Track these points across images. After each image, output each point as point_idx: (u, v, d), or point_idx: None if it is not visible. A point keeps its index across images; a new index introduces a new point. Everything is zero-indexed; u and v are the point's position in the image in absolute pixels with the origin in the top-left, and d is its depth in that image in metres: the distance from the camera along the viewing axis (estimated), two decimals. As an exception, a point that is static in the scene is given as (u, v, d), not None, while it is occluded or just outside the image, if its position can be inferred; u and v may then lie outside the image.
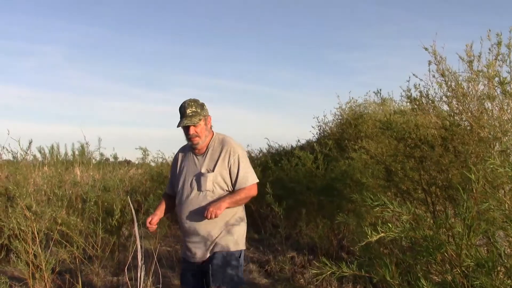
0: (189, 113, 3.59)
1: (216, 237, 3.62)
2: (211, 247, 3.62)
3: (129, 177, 10.11)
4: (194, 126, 3.60)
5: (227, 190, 3.66)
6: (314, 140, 10.38)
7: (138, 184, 9.86)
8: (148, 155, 10.33)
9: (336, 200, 6.73)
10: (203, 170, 3.66)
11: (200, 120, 3.62)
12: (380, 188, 5.34)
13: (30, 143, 6.34)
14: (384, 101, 9.02)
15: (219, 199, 3.58)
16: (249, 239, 8.20)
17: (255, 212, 8.66)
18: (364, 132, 7.52)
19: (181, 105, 3.63)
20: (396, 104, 8.76)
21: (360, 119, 8.74)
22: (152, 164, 11.09)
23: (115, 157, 10.89)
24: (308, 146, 9.94)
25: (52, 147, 11.14)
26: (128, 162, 13.09)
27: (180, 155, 3.92)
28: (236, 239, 3.67)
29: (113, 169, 10.60)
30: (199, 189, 3.63)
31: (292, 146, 10.96)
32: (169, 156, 10.81)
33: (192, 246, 3.70)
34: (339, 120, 10.18)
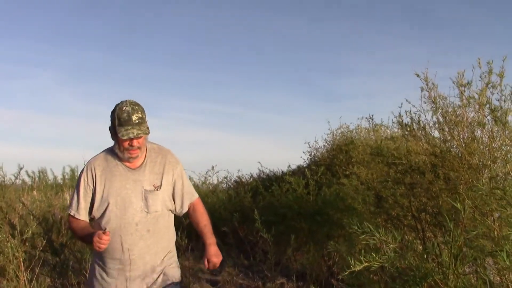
0: (136, 120, 2.91)
1: (163, 268, 3.11)
2: (156, 279, 3.06)
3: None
4: (140, 137, 2.96)
5: (170, 210, 3.17)
6: (305, 165, 10.37)
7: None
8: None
9: (326, 226, 6.69)
10: (147, 187, 3.05)
11: (148, 129, 2.98)
12: (370, 214, 5.33)
13: (20, 168, 6.25)
14: (376, 127, 9.04)
15: (208, 241, 3.13)
16: (238, 265, 8.13)
17: (245, 238, 8.60)
18: (355, 158, 7.52)
19: (122, 108, 2.90)
20: (388, 130, 8.79)
21: (351, 145, 8.75)
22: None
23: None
24: (299, 172, 9.92)
25: (41, 171, 11.10)
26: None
27: (99, 168, 3.07)
28: (179, 270, 3.27)
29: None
30: (147, 210, 3.02)
31: (283, 171, 10.94)
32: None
33: (124, 279, 3.02)
34: (330, 146, 10.18)
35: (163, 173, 3.13)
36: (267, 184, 9.24)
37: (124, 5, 25.30)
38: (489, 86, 4.03)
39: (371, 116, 8.32)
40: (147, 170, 3.10)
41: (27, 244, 5.43)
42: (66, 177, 11.22)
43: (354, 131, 9.82)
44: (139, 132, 2.92)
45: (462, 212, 2.46)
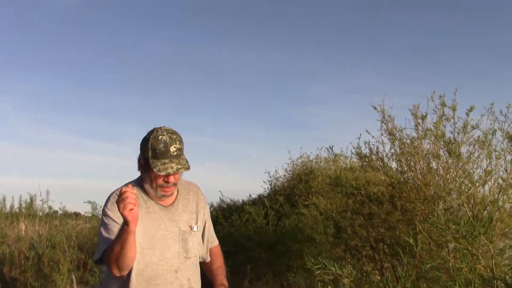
0: (174, 152, 2.43)
1: None
2: None
3: (76, 231, 9.79)
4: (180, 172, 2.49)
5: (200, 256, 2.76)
6: (265, 194, 10.37)
7: (86, 239, 9.55)
8: (96, 208, 10.08)
9: (286, 257, 6.67)
10: (184, 228, 2.60)
11: (187, 162, 2.48)
12: (329, 245, 5.34)
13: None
14: (335, 157, 9.13)
15: (220, 282, 2.77)
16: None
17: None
18: (315, 188, 7.56)
19: (158, 138, 2.43)
20: (348, 160, 8.89)
21: (311, 175, 8.81)
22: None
23: (64, 210, 10.56)
24: (259, 201, 9.90)
25: (-5, 198, 10.78)
26: (77, 215, 12.73)
27: None
28: None
29: (61, 223, 10.26)
30: (186, 254, 2.59)
31: (243, 200, 10.90)
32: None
33: None
34: (290, 175, 10.22)
35: (197, 212, 2.71)
36: (227, 214, 9.18)
37: (88, 34, 25.15)
38: (442, 118, 4.13)
39: (330, 147, 8.41)
40: (180, 209, 2.64)
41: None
42: (24, 205, 10.89)
43: (314, 161, 9.90)
44: (179, 166, 2.42)
45: (415, 247, 2.49)
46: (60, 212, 10.56)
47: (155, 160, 2.39)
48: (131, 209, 2.18)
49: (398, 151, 4.52)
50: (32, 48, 25.18)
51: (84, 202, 9.63)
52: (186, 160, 2.46)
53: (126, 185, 2.40)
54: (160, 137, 2.41)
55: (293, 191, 9.10)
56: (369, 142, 4.86)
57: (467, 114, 3.99)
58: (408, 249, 3.39)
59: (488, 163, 3.85)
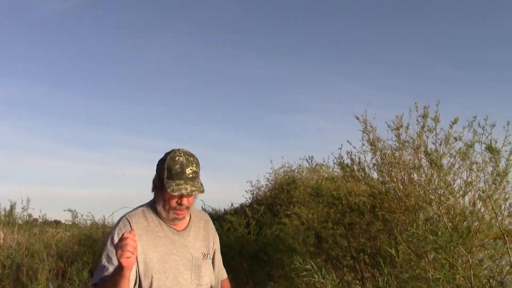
0: (190, 174, 2.40)
1: None
2: None
3: (56, 240, 9.67)
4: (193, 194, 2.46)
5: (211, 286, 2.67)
6: (247, 204, 10.34)
7: (65, 248, 9.43)
8: (77, 216, 9.98)
9: (267, 266, 6.65)
10: (197, 254, 2.55)
11: (202, 185, 2.45)
12: (310, 255, 5.33)
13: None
14: (317, 167, 9.14)
15: None
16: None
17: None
18: (296, 197, 7.57)
19: (175, 159, 2.41)
20: (329, 170, 8.91)
21: (293, 185, 8.81)
22: (82, 226, 10.67)
23: (44, 218, 10.42)
24: (241, 210, 9.87)
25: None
26: (57, 223, 12.58)
27: (139, 226, 2.46)
28: None
29: (40, 231, 10.12)
30: (198, 281, 2.51)
31: (225, 209, 10.86)
32: (99, 218, 10.41)
33: None
34: (272, 185, 10.22)
35: (208, 241, 2.66)
36: (208, 223, 9.11)
37: (69, 40, 25.01)
38: (425, 129, 4.16)
39: (310, 157, 8.43)
40: (192, 235, 2.58)
41: None
42: (3, 213, 10.70)
43: (296, 170, 9.90)
44: (193, 188, 2.37)
45: (397, 257, 2.50)
46: (40, 220, 10.42)
47: (170, 180, 2.37)
48: (128, 257, 2.09)
49: (380, 162, 4.54)
50: (13, 53, 24.97)
51: (64, 210, 9.53)
52: (201, 184, 2.43)
53: (139, 207, 2.53)
54: (177, 158, 2.40)
55: (275, 201, 9.09)
56: (351, 152, 4.88)
57: (451, 126, 4.03)
58: (389, 259, 3.41)
59: (468, 175, 3.88)
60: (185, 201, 2.40)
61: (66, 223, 11.32)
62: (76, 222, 10.45)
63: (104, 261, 2.36)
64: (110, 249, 2.37)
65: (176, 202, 2.40)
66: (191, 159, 2.43)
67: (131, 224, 2.41)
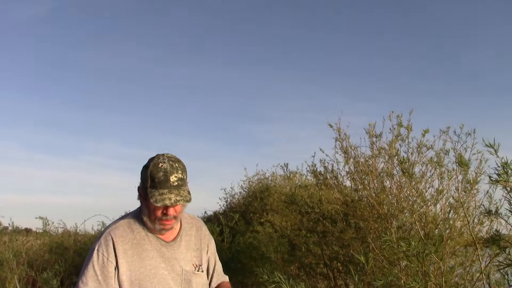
0: (175, 182, 2.20)
1: None
2: None
3: (26, 248, 9.51)
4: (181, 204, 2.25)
5: None
6: (221, 211, 10.32)
7: (36, 256, 9.28)
8: (48, 224, 9.85)
9: (240, 274, 6.63)
10: (187, 267, 2.36)
11: (189, 194, 2.25)
12: (283, 263, 5.33)
13: None
14: (290, 174, 9.17)
15: None
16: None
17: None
18: (270, 205, 7.57)
19: (158, 165, 2.20)
20: (303, 178, 8.93)
21: (266, 192, 8.81)
22: (53, 234, 10.53)
23: (14, 226, 10.27)
24: (215, 218, 9.84)
25: None
26: (28, 231, 12.37)
27: (122, 240, 2.27)
28: None
29: (10, 239, 9.95)
30: None
31: (198, 217, 10.80)
32: (71, 226, 10.27)
33: None
34: (246, 193, 10.21)
35: (201, 250, 2.47)
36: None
37: (40, 45, 24.70)
38: (398, 138, 4.20)
39: (285, 164, 8.44)
40: (183, 246, 2.39)
41: None
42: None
43: (269, 178, 9.91)
44: (178, 198, 2.16)
45: (367, 265, 2.51)
46: (10, 228, 10.27)
47: (153, 189, 2.16)
48: None
49: (353, 169, 4.57)
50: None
51: (36, 218, 9.39)
52: (188, 192, 2.22)
53: (124, 217, 2.33)
54: (160, 164, 2.19)
55: (249, 208, 9.09)
56: (324, 160, 4.90)
57: (423, 135, 4.08)
58: (360, 266, 3.42)
59: (440, 183, 3.93)
60: (171, 211, 2.21)
61: (37, 231, 11.16)
62: (48, 230, 10.32)
63: (79, 283, 2.19)
64: (88, 268, 2.20)
65: (162, 212, 2.21)
66: (176, 165, 2.22)
67: (114, 240, 2.21)
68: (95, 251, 2.20)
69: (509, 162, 2.38)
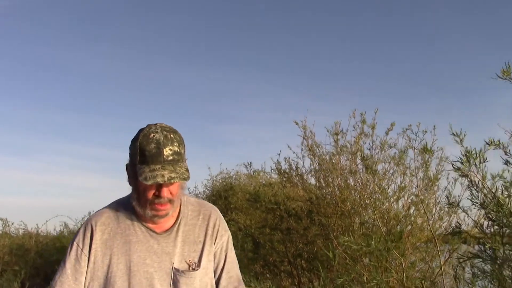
0: (169, 156, 1.72)
1: None
2: None
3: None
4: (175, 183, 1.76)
5: None
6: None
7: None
8: (8, 225, 9.64)
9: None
10: (178, 264, 1.86)
11: (188, 171, 1.76)
12: (248, 261, 5.33)
13: None
14: (254, 173, 9.16)
15: None
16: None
17: None
18: (234, 204, 7.56)
19: (149, 136, 1.73)
20: (268, 176, 8.94)
21: (231, 191, 8.80)
22: (14, 235, 10.31)
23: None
24: (178, 217, 9.77)
25: None
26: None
27: (103, 229, 1.87)
28: None
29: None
30: None
31: (162, 216, 10.71)
32: (32, 227, 10.06)
33: None
34: (210, 192, 10.16)
35: (204, 243, 1.93)
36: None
37: (5, 47, 24.08)
38: (362, 136, 4.25)
39: (249, 163, 8.44)
40: (179, 237, 1.90)
41: None
42: None
43: (233, 177, 9.89)
44: (173, 175, 1.69)
45: (333, 261, 2.53)
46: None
47: (143, 165, 1.71)
48: None
49: (317, 167, 4.60)
50: None
51: (-5, 219, 9.17)
52: (187, 169, 1.76)
53: (112, 203, 1.94)
54: (152, 135, 1.74)
55: (213, 207, 9.04)
56: (289, 158, 4.93)
57: (387, 133, 4.15)
58: (326, 263, 3.44)
59: (402, 180, 3.99)
60: (165, 192, 1.75)
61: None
62: (8, 231, 10.10)
63: (58, 272, 1.84)
64: (61, 264, 1.87)
65: (154, 194, 1.75)
66: (171, 136, 1.76)
67: (93, 229, 1.85)
68: (74, 243, 1.87)
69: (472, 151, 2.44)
